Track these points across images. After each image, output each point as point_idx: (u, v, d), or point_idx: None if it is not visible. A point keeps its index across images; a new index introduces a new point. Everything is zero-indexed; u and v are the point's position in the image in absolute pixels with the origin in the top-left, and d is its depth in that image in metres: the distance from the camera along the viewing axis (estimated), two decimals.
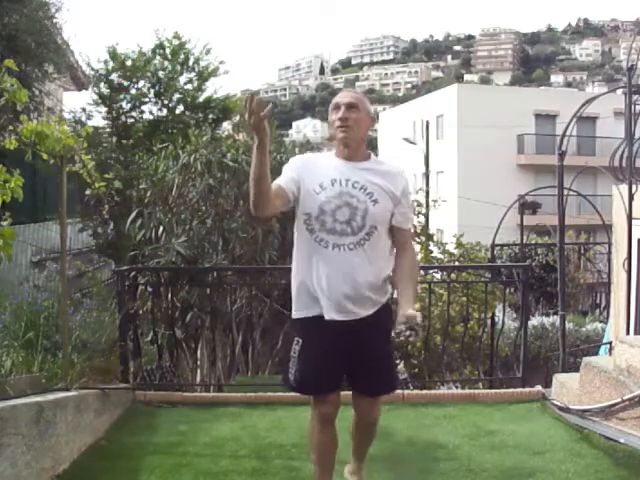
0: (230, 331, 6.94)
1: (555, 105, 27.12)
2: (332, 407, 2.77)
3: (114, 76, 10.99)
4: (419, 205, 9.96)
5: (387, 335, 2.69)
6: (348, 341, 2.69)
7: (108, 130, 10.98)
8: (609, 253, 9.45)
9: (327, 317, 2.67)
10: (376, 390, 2.85)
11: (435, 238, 9.98)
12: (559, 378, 4.91)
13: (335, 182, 2.69)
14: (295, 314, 2.79)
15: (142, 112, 11.25)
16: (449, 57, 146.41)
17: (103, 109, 10.99)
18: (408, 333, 2.48)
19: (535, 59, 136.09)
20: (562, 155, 6.35)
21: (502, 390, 5.14)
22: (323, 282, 2.66)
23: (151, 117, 11.30)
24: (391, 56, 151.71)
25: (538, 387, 5.14)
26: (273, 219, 2.48)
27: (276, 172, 2.77)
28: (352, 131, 2.71)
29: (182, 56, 11.37)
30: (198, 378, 6.87)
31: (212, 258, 6.68)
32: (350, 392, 2.92)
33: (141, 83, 11.15)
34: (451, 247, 9.78)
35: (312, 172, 2.73)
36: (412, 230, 2.86)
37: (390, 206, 2.72)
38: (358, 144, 2.76)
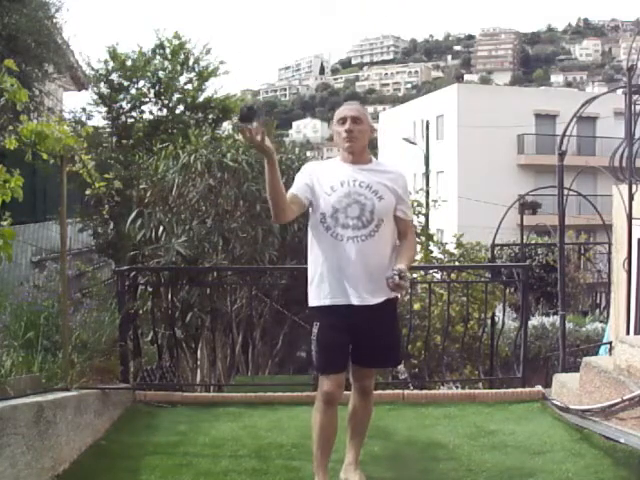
0: (230, 331, 6.94)
1: (555, 105, 27.10)
2: (337, 387, 3.00)
3: (114, 76, 10.99)
4: (419, 205, 9.96)
5: (395, 321, 3.23)
6: (360, 325, 3.00)
7: (108, 130, 10.98)
8: (609, 253, 9.45)
9: (346, 302, 2.98)
10: (379, 365, 3.37)
11: (435, 238, 9.99)
12: (559, 378, 4.91)
13: (344, 183, 3.04)
14: (314, 302, 3.07)
15: (142, 112, 11.25)
16: (449, 57, 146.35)
17: (103, 109, 10.99)
18: (394, 276, 2.81)
19: (535, 59, 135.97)
20: (562, 155, 6.34)
21: (502, 390, 5.13)
22: (343, 272, 2.99)
23: (151, 117, 11.29)
24: (391, 56, 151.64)
25: (538, 387, 5.13)
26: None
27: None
28: (357, 141, 3.08)
29: (182, 56, 11.36)
30: (198, 378, 6.88)
31: (212, 258, 6.68)
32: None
33: (141, 83, 11.14)
34: (451, 247, 9.79)
35: (322, 177, 3.08)
36: (412, 222, 3.31)
37: (393, 201, 3.07)
38: (361, 151, 3.12)
